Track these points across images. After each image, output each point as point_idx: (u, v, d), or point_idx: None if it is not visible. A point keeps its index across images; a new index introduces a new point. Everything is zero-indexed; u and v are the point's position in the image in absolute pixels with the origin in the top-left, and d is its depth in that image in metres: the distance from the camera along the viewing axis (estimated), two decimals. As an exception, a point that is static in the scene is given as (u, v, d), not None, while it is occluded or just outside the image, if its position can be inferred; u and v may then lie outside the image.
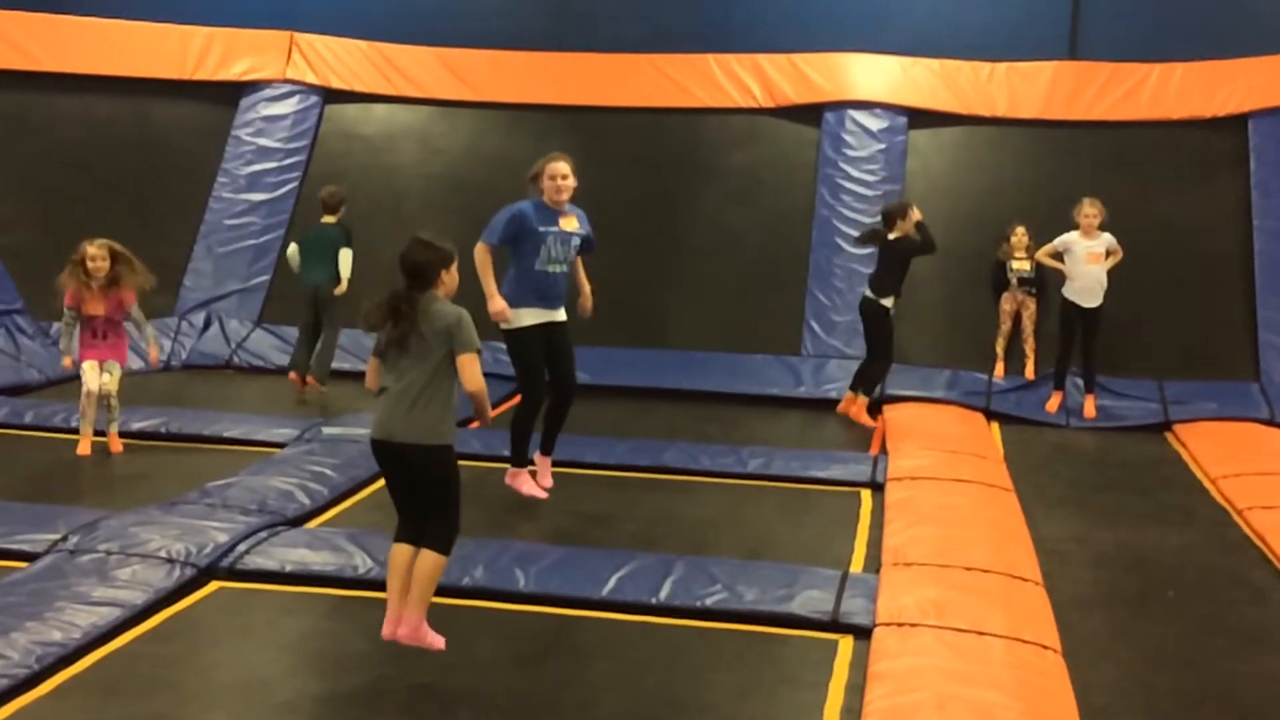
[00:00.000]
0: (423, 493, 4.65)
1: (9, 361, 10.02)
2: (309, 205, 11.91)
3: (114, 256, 7.89)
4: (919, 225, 9.13)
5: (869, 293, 9.27)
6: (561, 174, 6.49)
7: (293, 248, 10.09)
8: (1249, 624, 5.70)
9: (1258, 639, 5.51)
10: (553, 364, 6.68)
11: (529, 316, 6.45)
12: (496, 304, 6.42)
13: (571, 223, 6.61)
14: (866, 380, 9.40)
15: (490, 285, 6.45)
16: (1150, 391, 9.96)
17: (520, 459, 6.71)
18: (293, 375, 9.86)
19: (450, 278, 4.65)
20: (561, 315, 6.64)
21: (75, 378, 8.22)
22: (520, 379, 6.59)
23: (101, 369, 7.88)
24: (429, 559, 4.62)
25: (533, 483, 6.89)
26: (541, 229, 6.40)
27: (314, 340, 9.90)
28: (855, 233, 11.19)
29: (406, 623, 4.73)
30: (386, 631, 4.78)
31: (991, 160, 11.61)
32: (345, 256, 9.79)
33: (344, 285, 9.79)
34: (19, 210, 11.26)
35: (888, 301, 9.18)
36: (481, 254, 6.46)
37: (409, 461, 4.58)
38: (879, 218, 9.59)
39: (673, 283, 11.35)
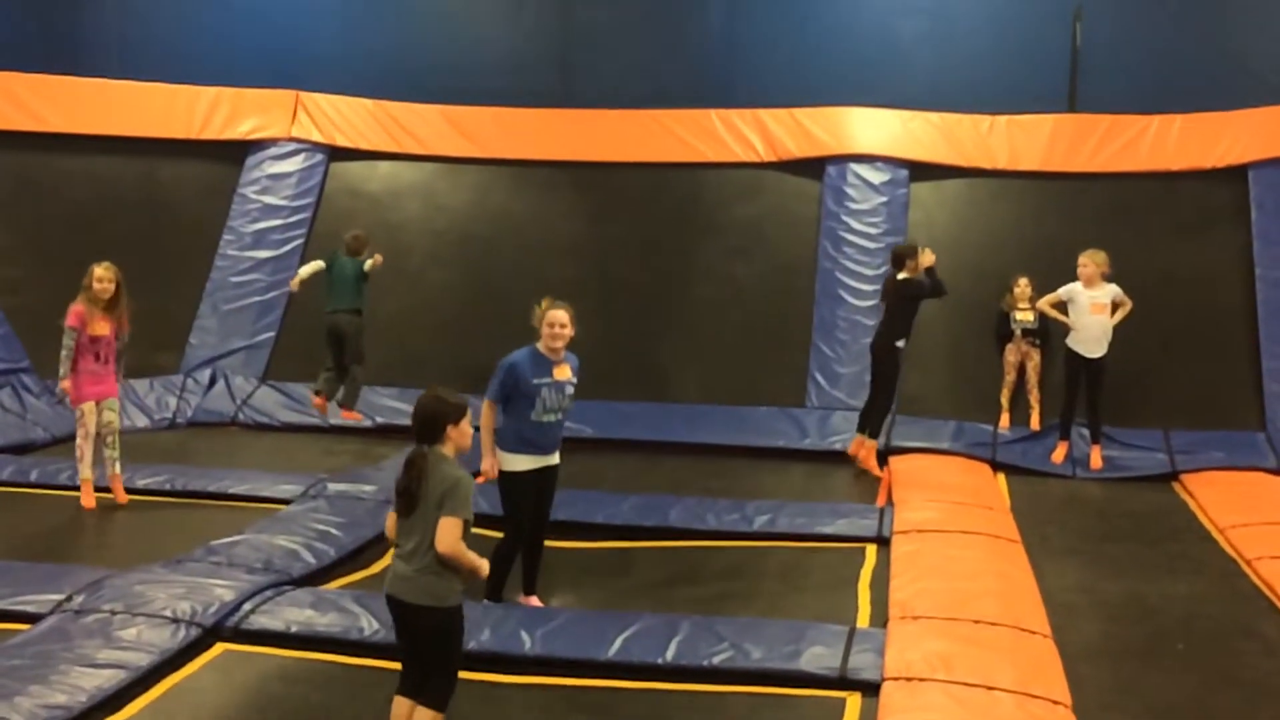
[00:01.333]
0: (423, 651, 4.61)
1: (15, 420, 10.04)
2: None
3: (118, 280, 8.19)
4: (929, 270, 9.16)
5: (882, 337, 9.30)
6: (560, 323, 6.42)
7: (317, 264, 10.41)
8: (1261, 677, 5.65)
9: (1270, 692, 5.46)
10: (534, 506, 6.56)
11: (521, 463, 6.37)
12: (487, 462, 6.35)
13: (565, 371, 6.50)
14: (872, 420, 9.41)
15: (487, 443, 6.39)
16: (1156, 442, 9.94)
17: (495, 594, 6.61)
18: (317, 400, 10.27)
19: (458, 433, 4.55)
20: (555, 459, 6.57)
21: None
22: (506, 518, 6.51)
23: (100, 408, 7.96)
24: (425, 716, 4.58)
25: None
26: (535, 381, 6.33)
27: (334, 369, 10.26)
28: (859, 285, 11.26)
29: None
30: None
31: (993, 212, 11.67)
32: (369, 266, 10.29)
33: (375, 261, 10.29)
34: (26, 270, 11.33)
35: (899, 342, 9.21)
36: (487, 413, 6.42)
37: (411, 620, 4.55)
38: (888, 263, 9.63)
39: (677, 336, 11.37)
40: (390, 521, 4.62)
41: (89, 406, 7.95)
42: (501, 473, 6.35)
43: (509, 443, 6.34)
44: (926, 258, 9.15)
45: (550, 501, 6.57)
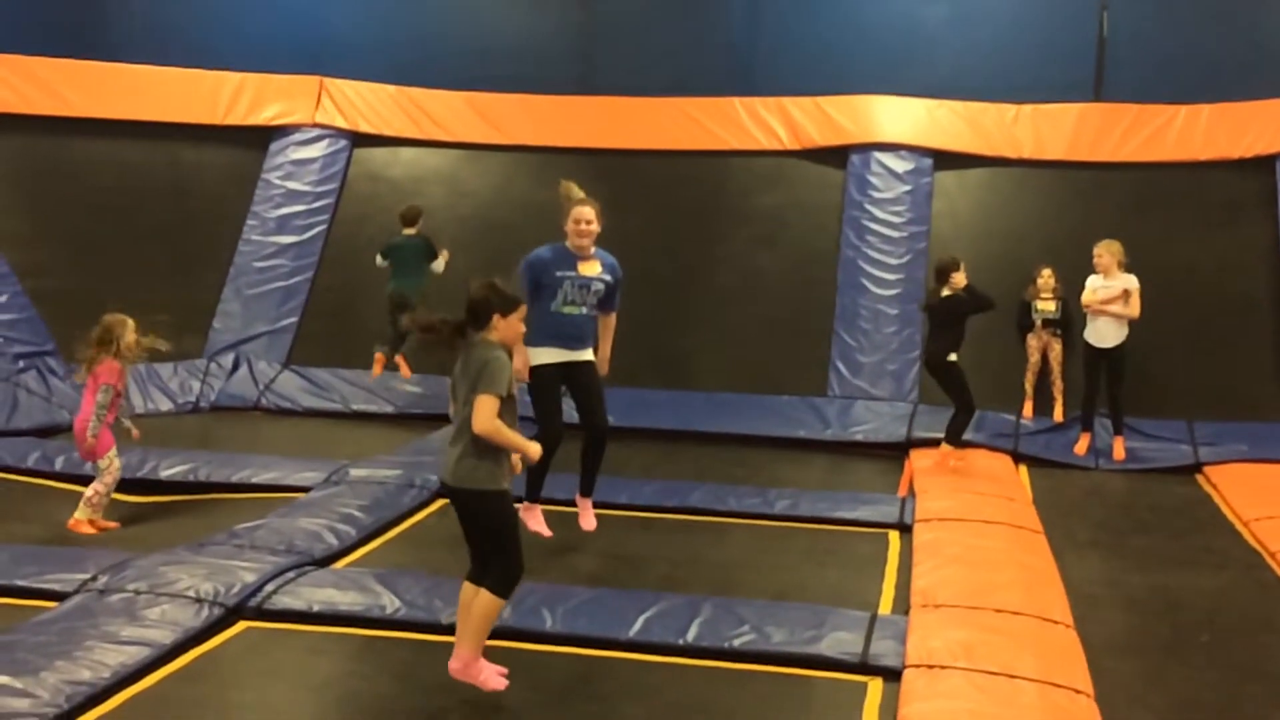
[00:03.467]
0: (475, 534, 4.66)
1: (41, 403, 10.10)
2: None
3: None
4: (967, 288, 8.88)
5: (933, 352, 9.06)
6: (586, 219, 6.50)
7: (379, 259, 10.65)
8: (1285, 669, 5.61)
9: (1294, 685, 5.43)
10: (579, 404, 6.66)
11: (545, 355, 6.44)
12: (519, 360, 6.38)
13: (593, 267, 6.57)
14: (951, 432, 9.15)
15: (520, 350, 6.40)
16: (1180, 433, 9.88)
17: (532, 495, 6.68)
18: (379, 355, 10.41)
19: (506, 324, 4.62)
20: (585, 355, 6.60)
21: None
22: (536, 415, 6.58)
23: (112, 457, 7.66)
24: (484, 599, 4.63)
25: (541, 520, 6.86)
26: (558, 273, 6.40)
27: (396, 333, 10.41)
28: (882, 274, 11.22)
29: (458, 657, 4.75)
30: (449, 666, 4.82)
31: (1017, 202, 11.61)
32: (438, 266, 10.57)
33: (444, 255, 10.63)
34: (51, 254, 11.38)
35: (953, 357, 8.95)
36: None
37: (459, 504, 4.59)
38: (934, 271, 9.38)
39: (699, 325, 11.37)
40: (451, 397, 4.69)
41: (114, 454, 7.74)
42: (530, 368, 6.35)
43: (533, 336, 6.34)
44: (959, 279, 8.97)
45: (595, 397, 6.54)
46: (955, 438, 9.12)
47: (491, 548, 4.62)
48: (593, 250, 6.61)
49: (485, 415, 4.46)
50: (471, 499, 4.53)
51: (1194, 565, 7.16)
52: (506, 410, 4.54)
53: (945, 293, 8.92)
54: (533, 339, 6.42)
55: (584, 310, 6.46)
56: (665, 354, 11.05)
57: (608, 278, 6.65)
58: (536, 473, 6.73)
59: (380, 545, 7.05)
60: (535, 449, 4.63)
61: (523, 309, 4.70)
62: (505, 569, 4.61)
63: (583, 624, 5.55)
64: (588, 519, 7.04)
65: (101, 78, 12.43)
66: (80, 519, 7.44)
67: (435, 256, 10.59)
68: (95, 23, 13.34)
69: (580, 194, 6.69)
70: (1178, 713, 5.09)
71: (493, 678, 4.78)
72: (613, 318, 6.94)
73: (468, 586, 4.70)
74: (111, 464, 7.55)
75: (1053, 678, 5.00)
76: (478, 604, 4.64)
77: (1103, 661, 5.44)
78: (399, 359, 10.49)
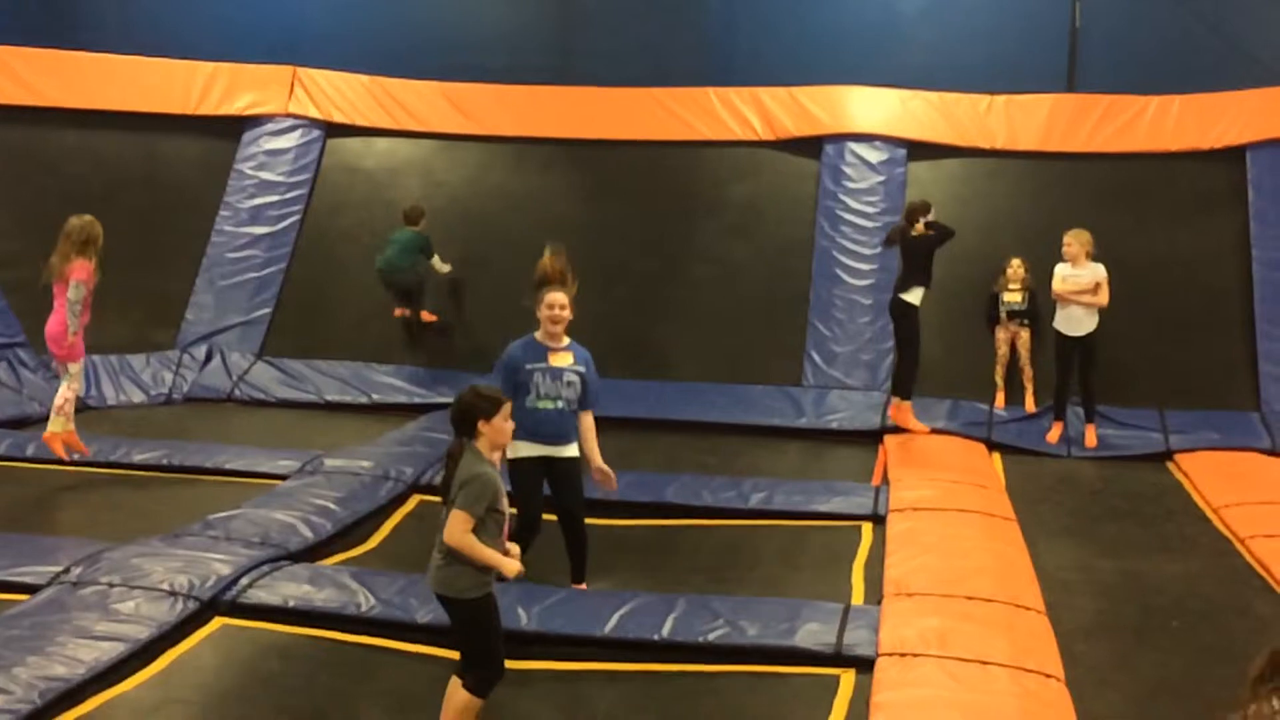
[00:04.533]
0: (454, 637, 4.66)
1: (11, 395, 10.04)
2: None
3: None
4: (930, 223, 9.26)
5: (896, 292, 9.36)
6: (560, 304, 6.33)
7: (380, 260, 10.90)
8: (1253, 653, 5.65)
9: (1261, 669, 5.49)
10: (555, 493, 6.46)
11: (524, 449, 6.32)
12: (496, 455, 6.23)
13: (565, 358, 6.37)
14: (901, 382, 9.47)
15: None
16: (1151, 421, 9.96)
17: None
18: (398, 311, 11.04)
19: (491, 429, 4.56)
20: (567, 452, 6.39)
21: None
22: (514, 503, 6.49)
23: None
24: (462, 697, 4.60)
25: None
26: (528, 366, 6.24)
27: (403, 295, 11.01)
28: (856, 264, 11.27)
29: None
30: None
31: (990, 192, 11.66)
32: (436, 264, 11.05)
33: (447, 266, 11.14)
34: (22, 245, 11.26)
35: (912, 296, 9.24)
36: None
37: (443, 606, 4.60)
38: (896, 226, 9.70)
39: (674, 314, 11.37)
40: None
41: (82, 364, 7.86)
42: (508, 461, 6.30)
43: (515, 431, 6.25)
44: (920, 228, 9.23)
45: (572, 493, 6.38)
46: (903, 389, 9.40)
47: (471, 650, 4.62)
48: (566, 341, 6.44)
49: (455, 530, 4.42)
50: (452, 605, 4.54)
51: (1164, 551, 7.23)
52: (492, 523, 4.49)
53: (915, 233, 9.08)
54: (515, 432, 6.29)
55: (559, 405, 6.28)
56: (640, 343, 11.06)
57: (580, 369, 6.40)
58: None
59: (356, 541, 7.03)
60: (511, 567, 4.52)
61: (507, 407, 4.62)
62: (484, 671, 4.61)
63: (558, 622, 5.56)
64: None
65: (73, 67, 12.34)
66: (56, 432, 7.53)
67: (431, 253, 10.93)
68: (67, 12, 13.25)
69: (558, 264, 6.55)
70: (1148, 695, 5.15)
71: None
72: (589, 417, 6.55)
73: (454, 680, 4.65)
74: (80, 371, 7.72)
75: (1024, 663, 5.05)
76: (457, 699, 4.63)
77: (1074, 646, 5.50)
78: (424, 314, 11.05)
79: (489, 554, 4.46)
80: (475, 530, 4.42)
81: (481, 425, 4.55)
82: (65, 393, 7.66)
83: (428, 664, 5.26)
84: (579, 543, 6.44)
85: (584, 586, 6.47)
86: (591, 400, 6.47)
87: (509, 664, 4.69)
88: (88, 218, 7.91)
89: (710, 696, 5.07)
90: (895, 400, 9.58)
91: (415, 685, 5.03)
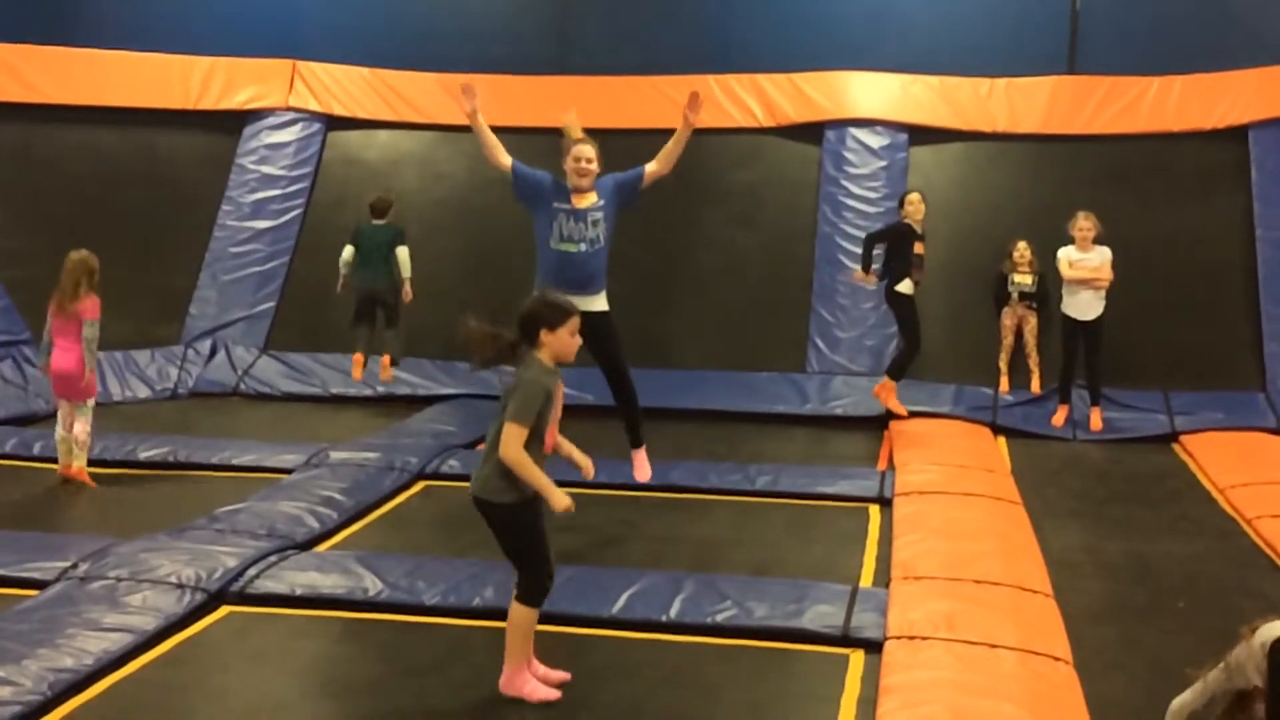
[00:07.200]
0: (503, 545, 4.62)
1: (17, 392, 10.06)
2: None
3: None
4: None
5: (889, 284, 9.49)
6: (586, 157, 6.20)
7: (348, 250, 10.35)
8: (1261, 634, 5.67)
9: (1270, 648, 5.48)
10: (594, 354, 6.20)
11: None
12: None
13: (589, 198, 6.20)
14: (895, 365, 9.60)
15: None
16: (1156, 403, 9.96)
17: None
18: (356, 355, 10.23)
19: (554, 339, 4.45)
20: (595, 305, 6.21)
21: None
22: None
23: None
24: (516, 610, 4.60)
25: None
26: (554, 204, 6.07)
27: (370, 328, 10.25)
28: (859, 250, 11.28)
29: (503, 672, 4.69)
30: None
31: (993, 176, 11.65)
32: (403, 254, 10.22)
33: (408, 286, 10.23)
34: (25, 243, 11.29)
35: (902, 287, 9.33)
36: None
37: (485, 514, 4.55)
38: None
39: (678, 303, 11.37)
40: None
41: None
42: None
43: (539, 275, 6.08)
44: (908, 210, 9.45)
45: (611, 349, 6.16)
46: (896, 371, 9.51)
47: (517, 558, 4.60)
48: (588, 184, 6.29)
49: (511, 445, 4.36)
50: (494, 510, 4.50)
51: (1170, 533, 7.23)
52: (534, 441, 4.41)
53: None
54: (538, 278, 6.14)
55: (581, 248, 6.10)
56: (644, 332, 10.99)
57: (602, 203, 6.23)
58: None
59: (362, 528, 7.05)
60: (559, 501, 4.37)
61: (573, 321, 4.48)
62: (531, 579, 4.58)
63: (566, 602, 5.56)
64: (640, 470, 6.92)
65: (72, 64, 12.33)
66: (83, 467, 7.66)
67: (403, 241, 10.29)
68: (65, 8, 13.23)
69: (580, 133, 6.51)
70: (1155, 677, 5.12)
71: (539, 690, 4.67)
72: (656, 163, 6.68)
73: (513, 601, 4.63)
74: (93, 404, 7.77)
75: (1032, 646, 5.04)
76: (511, 615, 4.60)
77: (1081, 629, 5.49)
78: (385, 360, 10.29)
79: (542, 479, 4.40)
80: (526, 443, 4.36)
81: (545, 335, 4.46)
82: (86, 426, 7.75)
83: (440, 632, 5.28)
84: (629, 400, 6.27)
85: (643, 450, 6.30)
86: (631, 195, 6.48)
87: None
88: (84, 252, 7.82)
89: (721, 666, 5.08)
90: (886, 379, 9.64)
91: (428, 659, 5.02)
